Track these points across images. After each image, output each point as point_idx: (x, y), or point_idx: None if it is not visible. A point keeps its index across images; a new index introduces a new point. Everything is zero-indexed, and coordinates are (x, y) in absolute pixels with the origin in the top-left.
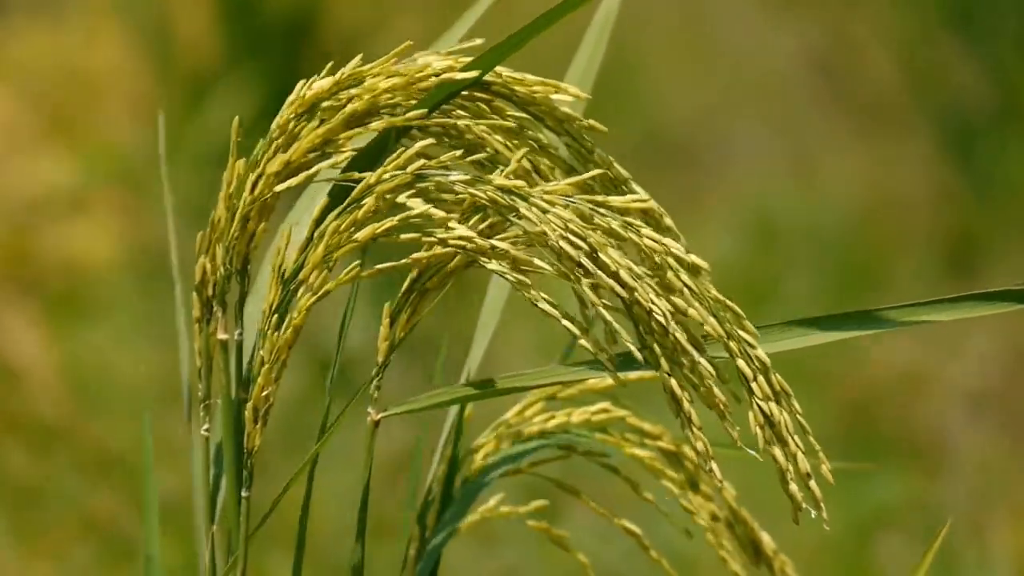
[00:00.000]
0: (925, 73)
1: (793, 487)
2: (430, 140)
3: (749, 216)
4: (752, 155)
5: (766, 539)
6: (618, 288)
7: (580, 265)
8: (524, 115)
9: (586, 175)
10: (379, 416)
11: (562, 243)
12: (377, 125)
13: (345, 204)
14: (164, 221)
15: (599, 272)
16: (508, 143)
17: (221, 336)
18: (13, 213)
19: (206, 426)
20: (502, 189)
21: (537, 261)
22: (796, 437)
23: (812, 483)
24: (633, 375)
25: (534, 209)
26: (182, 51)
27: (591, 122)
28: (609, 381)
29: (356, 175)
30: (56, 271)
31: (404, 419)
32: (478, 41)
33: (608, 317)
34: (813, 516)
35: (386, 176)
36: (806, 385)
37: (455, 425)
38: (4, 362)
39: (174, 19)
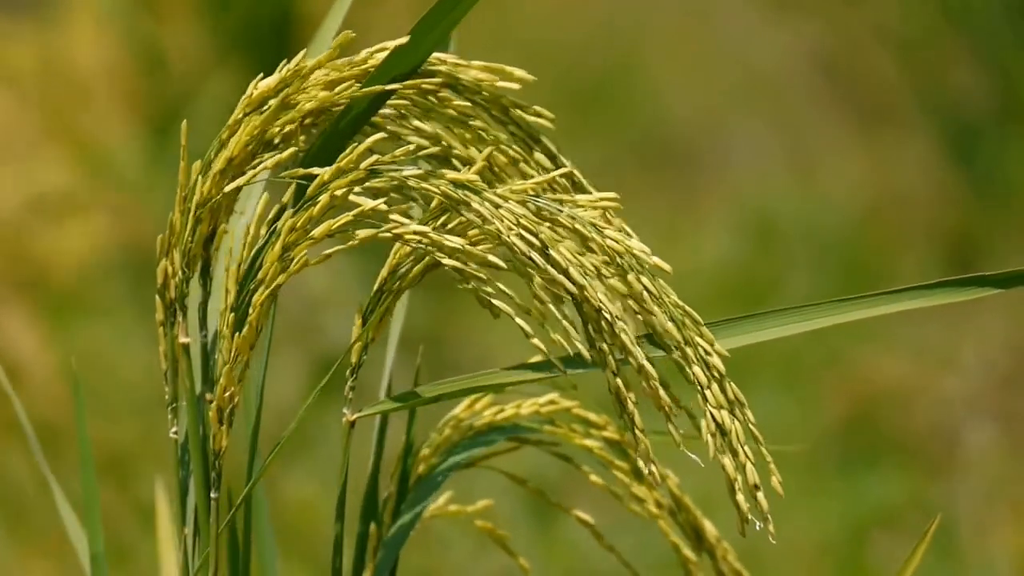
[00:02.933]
0: (925, 73)
1: (740, 497)
2: (381, 135)
3: (749, 216)
4: (752, 155)
5: (709, 527)
6: (568, 285)
7: (531, 260)
8: (468, 104)
9: (553, 174)
10: (354, 417)
11: (514, 238)
12: (312, 105)
13: (301, 202)
14: (160, 220)
15: (549, 268)
16: (454, 131)
17: (182, 339)
18: (11, 214)
19: (174, 429)
20: (455, 183)
21: (491, 257)
22: (747, 448)
23: (760, 495)
24: (582, 372)
25: (487, 204)
26: (170, 50)
27: (537, 108)
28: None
29: (302, 171)
30: (55, 271)
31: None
32: (404, 39)
33: (558, 315)
34: (758, 528)
35: (339, 172)
36: (807, 384)
37: (408, 423)
38: (5, 362)
39: (162, 18)
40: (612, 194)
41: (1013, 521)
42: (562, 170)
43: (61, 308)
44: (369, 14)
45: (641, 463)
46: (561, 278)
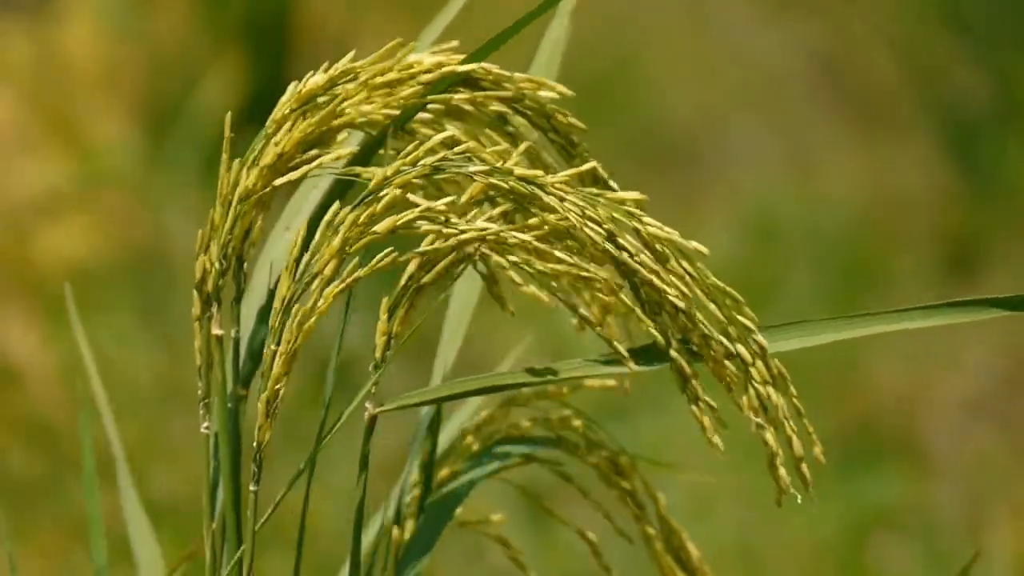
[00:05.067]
0: (925, 73)
1: (781, 470)
2: (449, 132)
3: (749, 216)
4: (752, 155)
5: (693, 550)
6: (642, 271)
7: (607, 250)
8: (508, 109)
9: (583, 167)
10: (376, 411)
11: (587, 230)
12: (368, 109)
13: (363, 196)
14: (160, 219)
15: (623, 255)
16: (492, 137)
17: (216, 332)
18: (11, 214)
19: (206, 423)
20: (522, 179)
21: (557, 253)
22: (791, 421)
23: (803, 466)
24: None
25: (553, 198)
26: (168, 46)
27: (571, 119)
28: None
29: (358, 169)
30: (55, 271)
31: (402, 419)
32: (454, 43)
33: (628, 303)
34: (799, 500)
35: (404, 168)
36: (805, 387)
37: (429, 427)
38: (4, 362)
39: (159, 14)
40: (635, 193)
41: (1011, 523)
42: (587, 165)
43: (60, 308)
44: (357, 16)
45: (708, 436)
46: (635, 264)
